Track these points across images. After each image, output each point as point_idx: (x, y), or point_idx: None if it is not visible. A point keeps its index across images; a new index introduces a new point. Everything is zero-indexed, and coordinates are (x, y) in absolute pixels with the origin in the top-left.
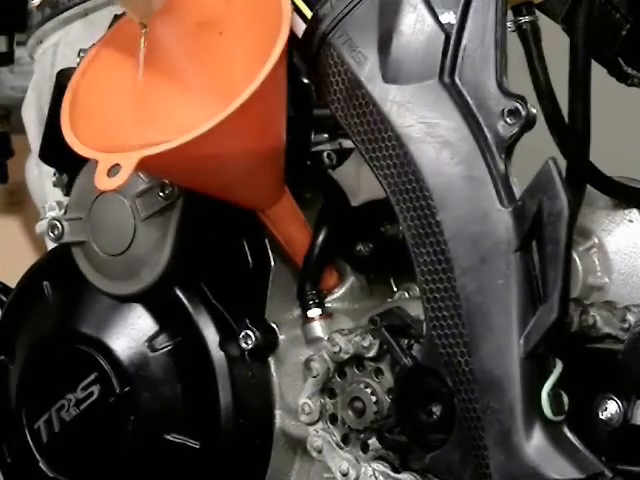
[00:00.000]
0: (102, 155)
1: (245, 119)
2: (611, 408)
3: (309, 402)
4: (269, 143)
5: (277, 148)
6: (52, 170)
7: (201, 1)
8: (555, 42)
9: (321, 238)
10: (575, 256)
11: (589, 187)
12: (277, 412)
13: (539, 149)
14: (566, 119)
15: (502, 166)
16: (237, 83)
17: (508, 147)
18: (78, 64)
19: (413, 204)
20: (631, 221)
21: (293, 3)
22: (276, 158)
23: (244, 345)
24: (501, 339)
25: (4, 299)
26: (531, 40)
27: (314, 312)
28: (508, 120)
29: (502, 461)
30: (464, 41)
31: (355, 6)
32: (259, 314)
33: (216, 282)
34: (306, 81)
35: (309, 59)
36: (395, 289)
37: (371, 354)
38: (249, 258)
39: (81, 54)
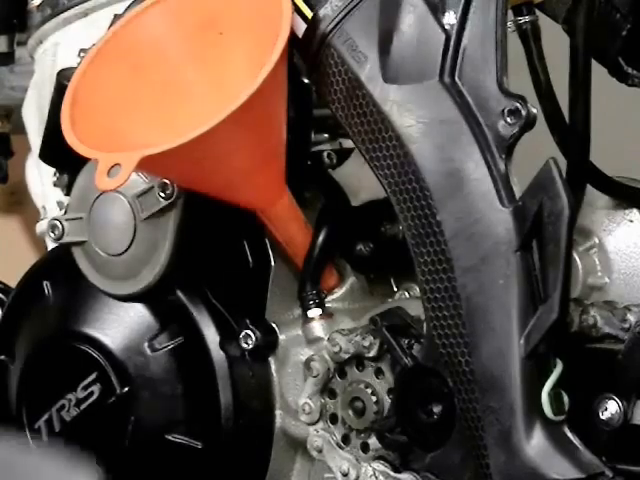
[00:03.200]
0: (102, 155)
1: (245, 119)
2: (611, 408)
3: (309, 402)
4: (269, 143)
5: (277, 148)
6: (52, 170)
7: (201, 1)
8: (555, 42)
9: (321, 238)
10: (575, 256)
11: (589, 187)
12: (277, 412)
13: (539, 149)
14: (566, 119)
15: (502, 166)
16: (237, 83)
17: (508, 147)
18: (78, 64)
19: (413, 204)
20: (631, 221)
21: (293, 3)
22: (276, 158)
23: (244, 345)
24: (501, 339)
25: (4, 299)
26: (531, 40)
27: (314, 312)
28: (508, 120)
29: (502, 461)
30: (464, 41)
31: (355, 6)
32: (259, 314)
33: (216, 282)
34: (306, 81)
35: (309, 59)
36: (395, 289)
37: (371, 354)
38: (249, 258)
39: (81, 54)
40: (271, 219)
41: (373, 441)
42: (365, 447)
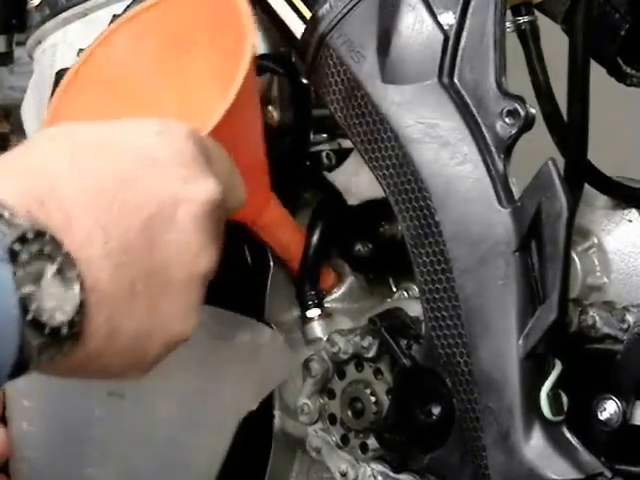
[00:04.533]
0: None
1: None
2: (610, 408)
3: (308, 402)
4: (246, 158)
5: (255, 160)
6: None
7: (165, 20)
8: (555, 42)
9: (315, 237)
10: (574, 256)
11: (588, 187)
12: (276, 412)
13: (538, 149)
14: (565, 119)
15: (501, 166)
16: (208, 100)
17: (507, 147)
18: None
19: (412, 204)
20: (630, 221)
21: (292, 3)
22: (256, 170)
23: None
24: (500, 339)
25: None
26: (530, 40)
27: (313, 312)
28: (507, 120)
29: (501, 461)
30: (463, 41)
31: (354, 6)
32: (258, 314)
33: (216, 283)
34: (305, 81)
35: (308, 60)
36: (394, 289)
37: (370, 354)
38: (248, 259)
39: (80, 54)
40: (262, 228)
41: (372, 441)
42: (364, 447)
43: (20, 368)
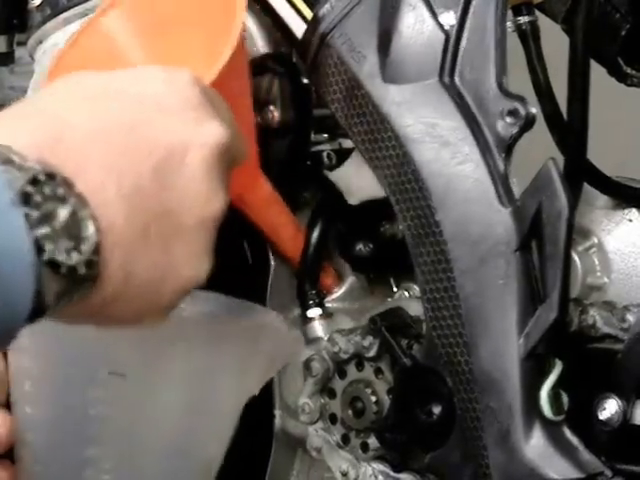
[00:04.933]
0: None
1: None
2: (611, 408)
3: (309, 402)
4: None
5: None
6: None
7: (150, 3)
8: (555, 42)
9: (315, 235)
10: (574, 256)
11: (589, 187)
12: (277, 412)
13: (540, 149)
14: (565, 118)
15: (502, 166)
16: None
17: (508, 147)
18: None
19: (413, 204)
20: (630, 220)
21: (293, 3)
22: None
23: None
24: (500, 339)
25: None
26: (531, 40)
27: (314, 312)
28: (508, 120)
29: (502, 461)
30: (464, 41)
31: (355, 6)
32: None
33: (215, 281)
34: (306, 81)
35: (309, 59)
36: (395, 289)
37: (371, 354)
38: (249, 258)
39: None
40: (249, 207)
41: (373, 441)
42: (365, 447)
43: (37, 313)
